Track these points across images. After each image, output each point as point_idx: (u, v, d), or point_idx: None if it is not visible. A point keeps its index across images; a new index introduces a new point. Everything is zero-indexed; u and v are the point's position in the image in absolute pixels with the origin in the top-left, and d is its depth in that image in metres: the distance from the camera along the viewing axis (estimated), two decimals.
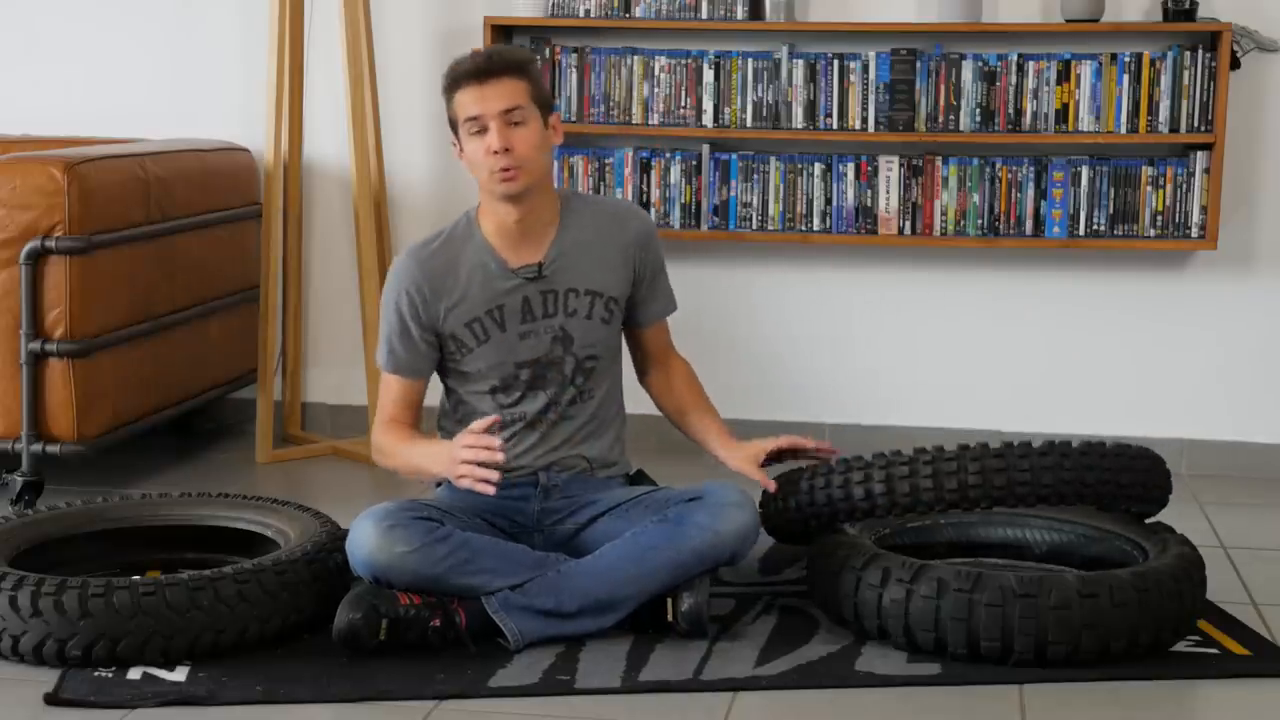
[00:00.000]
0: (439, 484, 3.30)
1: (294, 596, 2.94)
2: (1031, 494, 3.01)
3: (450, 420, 3.25)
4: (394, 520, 2.93)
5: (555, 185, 3.32)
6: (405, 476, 3.25)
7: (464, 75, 3.04)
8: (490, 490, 2.89)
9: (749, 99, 4.43)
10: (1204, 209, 4.29)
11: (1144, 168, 4.33)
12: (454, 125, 3.09)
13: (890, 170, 4.39)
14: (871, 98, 4.37)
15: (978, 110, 4.35)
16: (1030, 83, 4.32)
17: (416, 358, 3.16)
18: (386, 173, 4.65)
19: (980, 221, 4.39)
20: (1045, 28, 4.35)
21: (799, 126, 4.42)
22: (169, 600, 2.81)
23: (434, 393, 3.26)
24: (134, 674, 2.79)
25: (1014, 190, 4.37)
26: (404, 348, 3.15)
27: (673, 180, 4.47)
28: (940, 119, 4.36)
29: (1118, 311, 4.51)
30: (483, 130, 3.03)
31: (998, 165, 4.37)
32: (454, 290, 3.12)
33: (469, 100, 3.03)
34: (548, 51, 4.48)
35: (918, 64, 4.34)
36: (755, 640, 3.02)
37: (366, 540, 2.92)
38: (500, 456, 2.89)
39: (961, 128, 4.36)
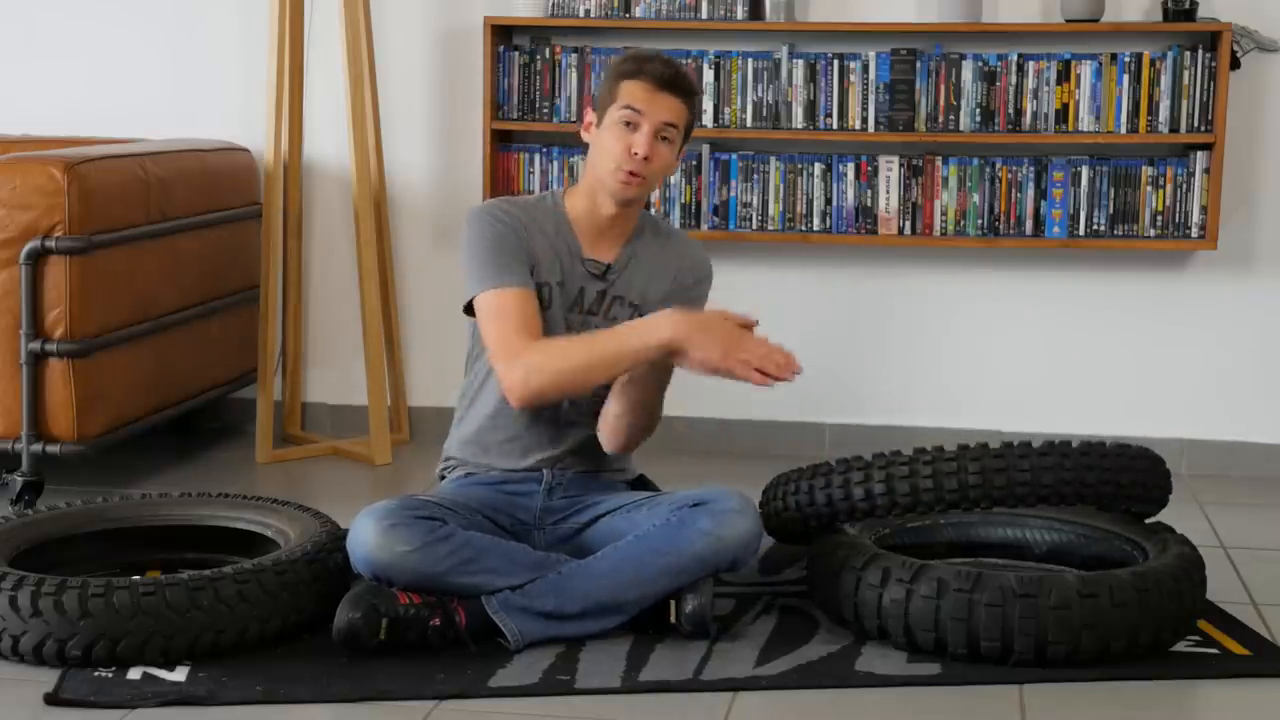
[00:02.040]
0: (442, 475, 3.30)
1: (294, 596, 2.94)
2: (1031, 494, 3.01)
3: (463, 406, 3.26)
4: (395, 519, 2.92)
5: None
6: (596, 379, 2.98)
7: (651, 73, 3.05)
8: (776, 378, 2.88)
9: (749, 99, 4.43)
10: (1204, 209, 4.29)
11: (1144, 168, 4.34)
12: (603, 103, 3.09)
13: (890, 170, 4.39)
14: (871, 98, 4.37)
15: (978, 110, 4.35)
16: (1030, 83, 4.33)
17: (525, 266, 3.07)
18: (386, 173, 4.65)
19: (980, 221, 4.39)
20: (1045, 28, 4.35)
21: (799, 126, 4.42)
22: (169, 600, 2.81)
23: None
24: (134, 674, 2.78)
25: (1014, 190, 4.37)
26: (513, 257, 3.06)
27: (673, 180, 4.47)
28: (940, 119, 4.36)
29: (1118, 311, 4.51)
30: (634, 125, 3.04)
31: (998, 165, 4.37)
32: (535, 240, 3.11)
33: (642, 95, 3.04)
34: (548, 52, 4.48)
35: (918, 64, 4.34)
36: (755, 640, 3.02)
37: (367, 538, 2.91)
38: (794, 368, 2.91)
39: (961, 128, 4.36)
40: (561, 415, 3.17)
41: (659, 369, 3.01)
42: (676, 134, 3.08)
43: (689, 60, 4.43)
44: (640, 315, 3.12)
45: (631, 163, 3.03)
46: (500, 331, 3.01)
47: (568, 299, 3.13)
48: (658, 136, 3.04)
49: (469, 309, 3.10)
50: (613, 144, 3.05)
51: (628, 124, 3.04)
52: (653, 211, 4.44)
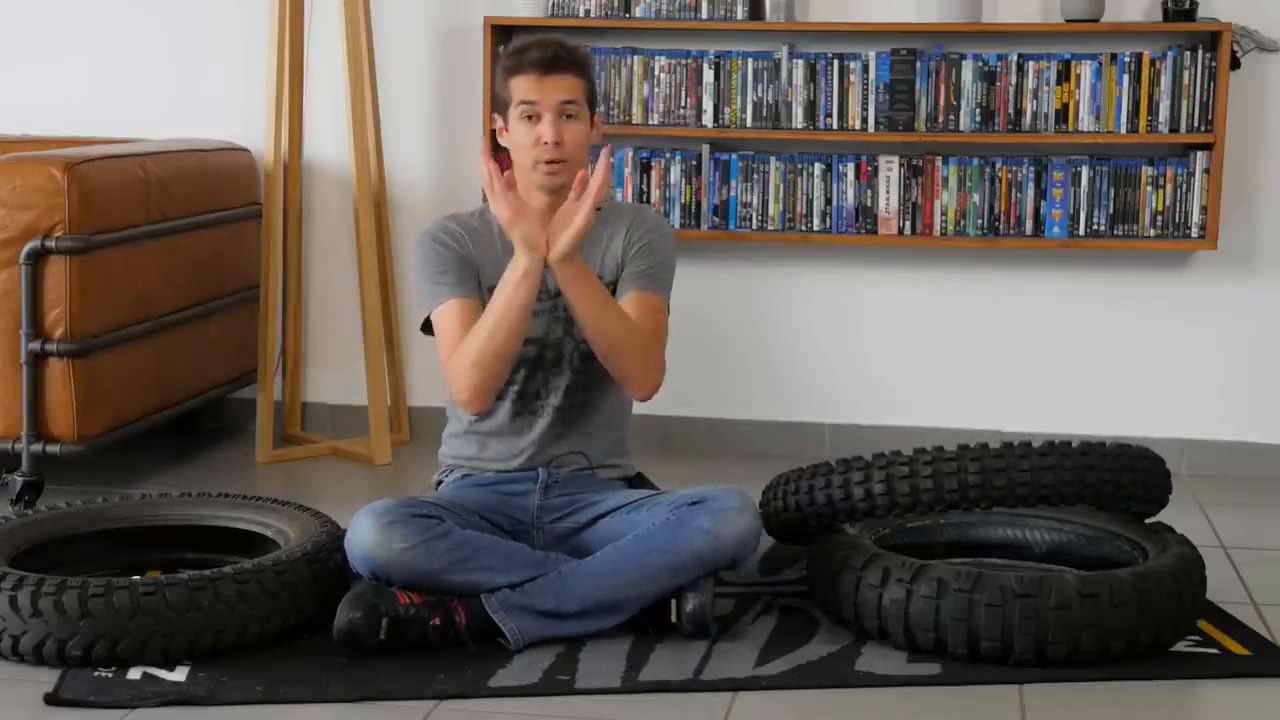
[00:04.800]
0: (439, 482, 3.30)
1: (294, 596, 2.94)
2: (1031, 494, 3.01)
3: (451, 415, 3.27)
4: (393, 516, 2.93)
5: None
6: (506, 335, 3.01)
7: (529, 63, 3.09)
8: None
9: (749, 99, 4.43)
10: (1204, 209, 4.29)
11: (1144, 168, 4.34)
12: (504, 105, 3.14)
13: (890, 170, 4.39)
14: (871, 98, 4.37)
15: (978, 110, 4.35)
16: (1030, 83, 4.33)
17: (468, 278, 3.14)
18: (386, 173, 4.65)
19: (980, 221, 4.39)
20: (1045, 28, 4.35)
21: (799, 126, 4.42)
22: (169, 600, 2.81)
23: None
24: (134, 674, 2.79)
25: (1014, 190, 4.37)
26: (454, 272, 3.13)
27: (673, 180, 4.47)
28: (940, 119, 4.36)
29: (1118, 311, 4.51)
30: (535, 117, 3.08)
31: (998, 165, 4.37)
32: (483, 251, 3.16)
33: (531, 85, 3.08)
34: None
35: (918, 64, 4.34)
36: (755, 640, 3.02)
37: (365, 536, 2.92)
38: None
39: (961, 128, 4.36)
40: (543, 404, 3.19)
41: (565, 279, 3.01)
42: (578, 107, 3.10)
43: (689, 60, 4.43)
44: (604, 284, 3.14)
45: (545, 151, 3.07)
46: (443, 356, 3.11)
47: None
48: (561, 117, 3.08)
49: (427, 329, 3.19)
50: (523, 139, 3.10)
51: (529, 117, 3.09)
52: (650, 207, 4.44)
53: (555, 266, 3.00)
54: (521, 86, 3.09)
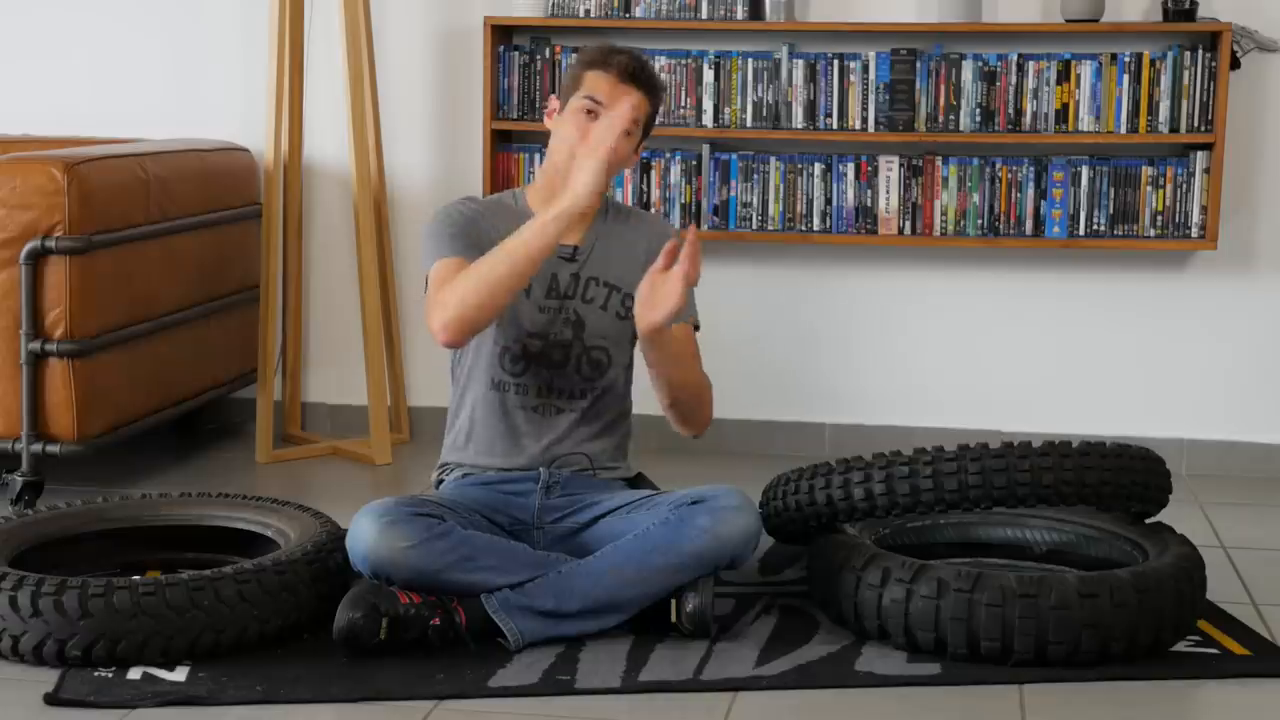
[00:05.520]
0: (439, 481, 3.30)
1: (294, 596, 2.94)
2: (1031, 494, 3.01)
3: (453, 412, 3.27)
4: (394, 516, 2.92)
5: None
6: (509, 272, 2.92)
7: (616, 65, 3.09)
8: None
9: (749, 99, 4.43)
10: (1204, 209, 4.29)
11: (1144, 168, 4.34)
12: (566, 91, 3.13)
13: (890, 170, 4.39)
14: (871, 98, 4.37)
15: (978, 110, 4.35)
16: (1030, 83, 4.33)
17: (475, 246, 3.06)
18: (386, 173, 4.65)
19: (980, 221, 4.39)
20: (1045, 28, 4.35)
21: (799, 126, 4.42)
22: (169, 600, 2.81)
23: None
24: (134, 674, 2.79)
25: (1014, 190, 4.37)
26: (464, 238, 3.08)
27: (673, 180, 4.47)
28: (940, 119, 4.36)
29: (1118, 311, 4.51)
30: (594, 114, 3.07)
31: (998, 165, 4.37)
32: (500, 223, 3.12)
33: (604, 86, 3.08)
34: (548, 51, 4.48)
35: (918, 64, 4.34)
36: (755, 640, 3.02)
37: (366, 535, 2.92)
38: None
39: (961, 128, 4.36)
40: (548, 404, 3.19)
41: (654, 345, 2.99)
42: (636, 128, 3.09)
43: (689, 60, 4.43)
44: (619, 296, 3.14)
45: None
46: (429, 294, 3.04)
47: (543, 286, 3.15)
48: None
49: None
50: (571, 133, 3.08)
51: (588, 113, 3.08)
52: (658, 215, 4.44)
53: (648, 335, 2.95)
54: (595, 81, 3.09)
